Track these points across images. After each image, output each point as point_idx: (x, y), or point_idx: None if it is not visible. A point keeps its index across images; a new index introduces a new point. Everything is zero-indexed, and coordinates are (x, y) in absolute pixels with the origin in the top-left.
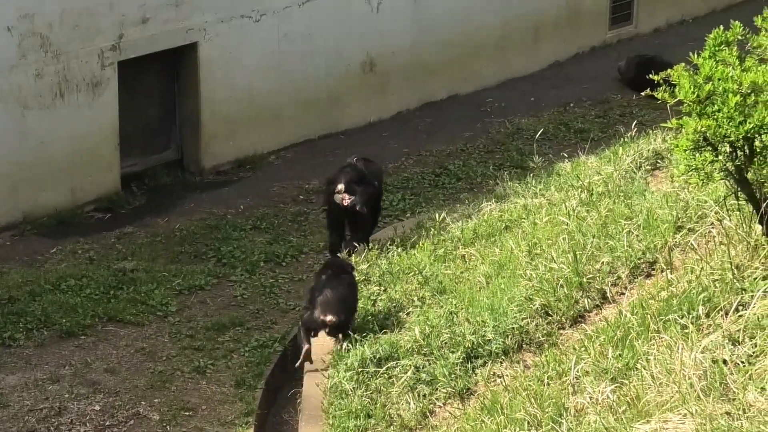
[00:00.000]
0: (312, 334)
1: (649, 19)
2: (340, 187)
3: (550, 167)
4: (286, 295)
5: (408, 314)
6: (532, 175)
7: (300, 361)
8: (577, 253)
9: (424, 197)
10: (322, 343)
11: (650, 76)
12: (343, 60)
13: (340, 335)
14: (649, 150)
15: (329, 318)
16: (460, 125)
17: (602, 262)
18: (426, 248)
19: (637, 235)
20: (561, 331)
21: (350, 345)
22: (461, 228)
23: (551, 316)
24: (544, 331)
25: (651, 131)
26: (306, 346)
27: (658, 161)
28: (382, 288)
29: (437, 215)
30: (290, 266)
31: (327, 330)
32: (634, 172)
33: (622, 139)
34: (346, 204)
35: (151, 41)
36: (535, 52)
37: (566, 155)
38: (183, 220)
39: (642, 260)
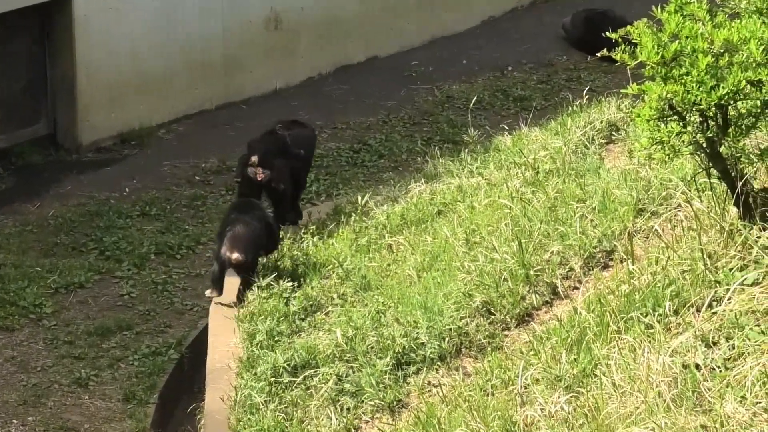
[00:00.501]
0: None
1: None
2: (254, 159)
3: (487, 141)
4: (181, 293)
5: (327, 314)
6: (466, 150)
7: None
8: (523, 241)
9: (341, 177)
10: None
11: (605, 34)
12: (244, 16)
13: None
14: (602, 121)
15: (235, 256)
16: (382, 93)
17: (552, 252)
18: (346, 237)
19: (592, 220)
20: (506, 333)
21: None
22: (386, 213)
23: (494, 314)
24: (486, 333)
25: (604, 99)
26: (218, 294)
27: (614, 133)
28: (296, 284)
29: (358, 198)
30: (185, 259)
31: (234, 269)
32: (586, 147)
33: (570, 108)
34: (260, 179)
35: None
36: (467, 6)
37: (506, 127)
38: (58, 205)
39: (598, 249)
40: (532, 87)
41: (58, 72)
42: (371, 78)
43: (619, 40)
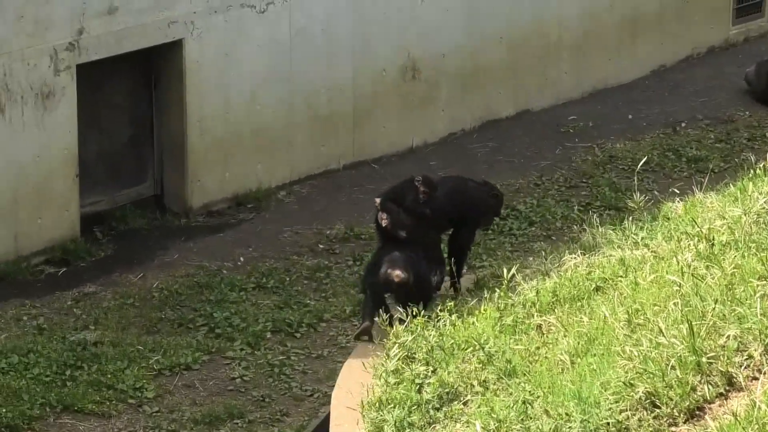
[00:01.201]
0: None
1: None
2: (377, 200)
3: (655, 208)
4: (300, 377)
5: (466, 404)
6: (631, 218)
7: (355, 333)
8: (694, 323)
9: (486, 247)
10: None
11: None
12: (377, 63)
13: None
14: None
15: (397, 273)
16: (533, 151)
17: (728, 336)
18: (489, 315)
19: None
20: (673, 429)
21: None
22: (536, 289)
23: (659, 407)
24: (651, 428)
25: None
26: (366, 323)
27: None
28: (431, 368)
29: (504, 271)
30: (306, 338)
31: (394, 289)
32: None
33: (752, 171)
34: (383, 224)
35: (120, 38)
36: (633, 54)
37: (677, 192)
38: (163, 276)
39: None
40: (708, 146)
41: (166, 125)
42: (521, 134)
43: None
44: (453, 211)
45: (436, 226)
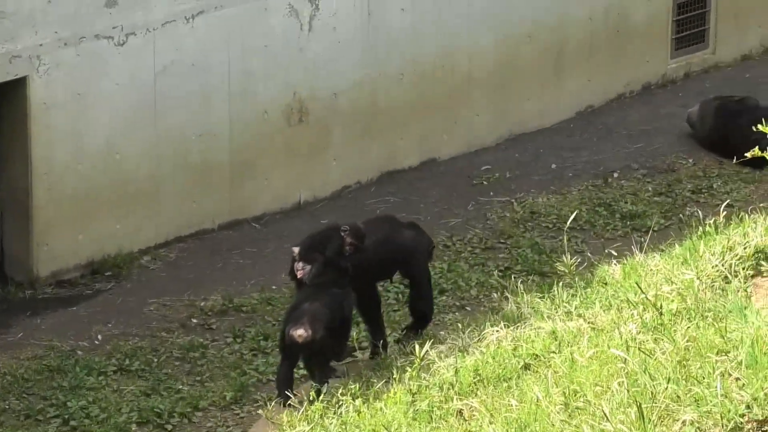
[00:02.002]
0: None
1: (734, 41)
2: (295, 250)
3: (588, 272)
4: None
5: None
6: (560, 284)
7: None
8: (644, 406)
9: (389, 319)
10: None
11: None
12: (257, 104)
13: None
14: (746, 246)
15: (300, 332)
16: (442, 207)
17: (683, 421)
18: (399, 400)
19: (737, 379)
20: None
21: None
22: (455, 367)
23: None
24: None
25: (746, 216)
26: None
27: (762, 263)
28: None
29: (416, 347)
30: (179, 430)
31: (300, 351)
32: (726, 281)
33: (701, 229)
34: (299, 276)
35: None
36: (556, 92)
37: (614, 253)
38: (5, 358)
39: (747, 418)
40: (646, 200)
41: (6, 180)
42: (428, 187)
43: None
44: (383, 264)
45: (363, 280)
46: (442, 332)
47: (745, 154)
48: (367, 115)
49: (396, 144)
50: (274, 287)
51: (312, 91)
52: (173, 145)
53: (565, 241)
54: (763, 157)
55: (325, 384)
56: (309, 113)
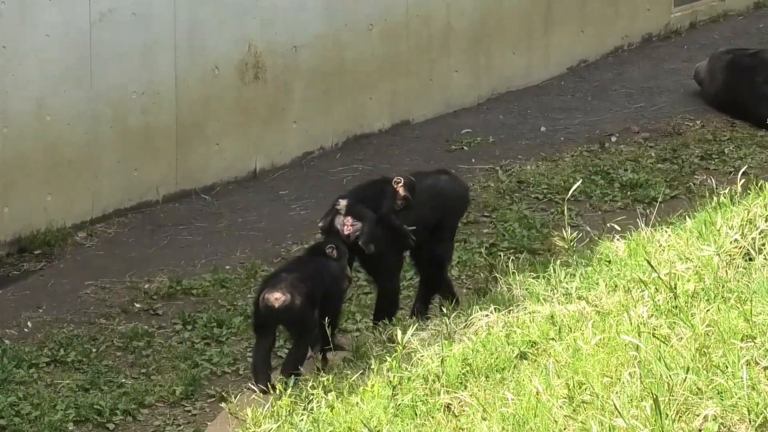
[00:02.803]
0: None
1: None
2: (342, 203)
3: (588, 249)
4: None
5: None
6: (558, 262)
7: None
8: (660, 399)
9: (359, 303)
10: None
11: None
12: (207, 59)
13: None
14: None
15: (277, 296)
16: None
17: (705, 417)
18: (378, 393)
19: (766, 368)
20: None
21: None
22: (440, 356)
23: None
24: None
25: (766, 185)
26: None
27: None
28: None
29: (397, 333)
30: (122, 429)
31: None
32: (749, 257)
33: (714, 200)
34: (346, 232)
35: None
36: (545, 46)
37: (615, 227)
38: None
39: None
40: (649, 168)
41: None
42: (400, 154)
43: None
44: (431, 219)
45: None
46: (427, 316)
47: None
48: (332, 72)
49: (364, 105)
50: (228, 267)
51: (269, 44)
52: (111, 105)
53: (566, 212)
54: None
55: (295, 374)
56: (266, 69)
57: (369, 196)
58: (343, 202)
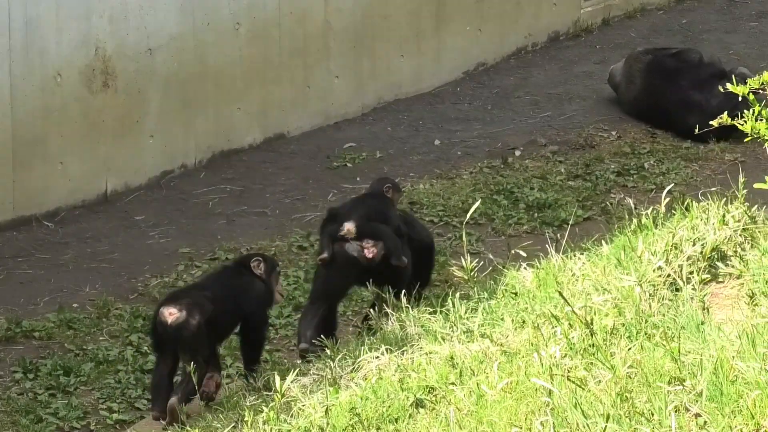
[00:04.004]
0: None
1: None
2: (349, 227)
3: (490, 279)
4: None
5: None
6: (457, 295)
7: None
8: None
9: (228, 346)
10: None
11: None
12: (47, 64)
13: None
14: (697, 243)
15: (170, 310)
16: (294, 198)
17: None
18: None
19: (698, 415)
20: None
21: None
22: (324, 405)
23: None
24: None
25: (693, 204)
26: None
27: (717, 264)
28: None
29: (274, 379)
30: None
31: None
32: (675, 288)
33: (634, 221)
34: (371, 256)
35: None
36: (438, 47)
37: (521, 253)
38: None
39: None
40: (558, 186)
41: None
42: (274, 172)
43: (749, 97)
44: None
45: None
46: (299, 360)
47: (711, 123)
48: (193, 79)
49: (232, 116)
50: (75, 305)
51: (119, 46)
52: None
53: (464, 237)
54: (711, 129)
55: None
56: (116, 76)
57: (374, 212)
58: (349, 226)
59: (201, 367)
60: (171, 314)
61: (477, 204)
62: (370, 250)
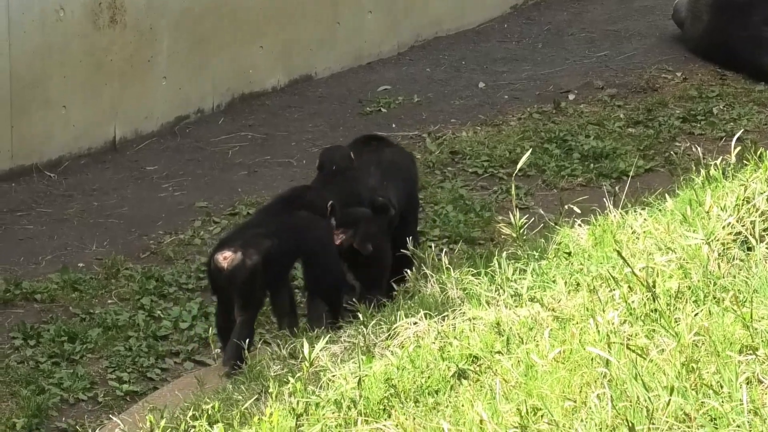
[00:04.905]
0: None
1: None
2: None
3: (541, 237)
4: None
5: None
6: (504, 254)
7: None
8: (637, 429)
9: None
10: None
11: None
12: (46, 0)
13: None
14: None
15: (226, 254)
16: (321, 146)
17: None
18: (278, 424)
19: None
20: None
21: None
22: (356, 375)
23: None
24: None
25: (767, 154)
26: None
27: None
28: None
29: (302, 345)
30: None
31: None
32: (747, 247)
33: (701, 173)
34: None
35: None
36: None
37: (575, 209)
38: None
39: None
40: (617, 133)
41: None
42: (300, 118)
43: None
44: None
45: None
46: (337, 326)
47: None
48: (211, 13)
49: (253, 55)
50: (81, 265)
51: None
52: None
53: (513, 191)
54: None
55: (235, 365)
56: (125, 10)
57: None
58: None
59: (252, 314)
60: (225, 258)
61: (527, 155)
62: (338, 237)
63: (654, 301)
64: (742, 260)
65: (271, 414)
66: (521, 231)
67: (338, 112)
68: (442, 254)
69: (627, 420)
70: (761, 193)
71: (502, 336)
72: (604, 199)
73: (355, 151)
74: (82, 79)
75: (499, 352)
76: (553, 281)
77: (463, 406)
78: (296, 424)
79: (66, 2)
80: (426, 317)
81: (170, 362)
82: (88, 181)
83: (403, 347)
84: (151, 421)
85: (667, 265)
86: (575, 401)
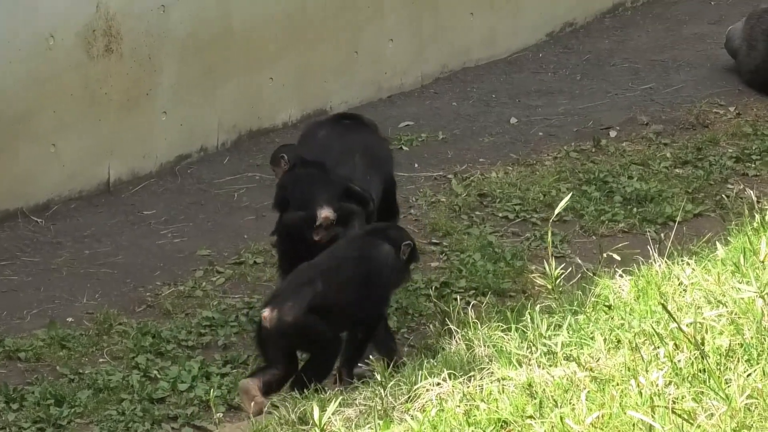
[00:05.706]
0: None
1: None
2: (327, 214)
3: (578, 289)
4: None
5: None
6: (537, 308)
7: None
8: None
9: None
10: None
11: None
12: (38, 25)
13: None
14: None
15: (265, 313)
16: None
17: None
18: None
19: None
20: None
21: None
22: None
23: None
24: None
25: None
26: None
27: None
28: None
29: (312, 409)
30: None
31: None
32: None
33: (757, 218)
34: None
35: None
36: (515, 4)
37: (616, 257)
38: None
39: None
40: (662, 173)
41: None
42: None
43: None
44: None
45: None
46: (351, 383)
47: None
48: (216, 42)
49: (262, 87)
50: (70, 320)
51: (126, 2)
52: None
53: (549, 237)
54: None
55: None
56: (121, 38)
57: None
58: (327, 213)
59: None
60: (264, 317)
61: (567, 199)
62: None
63: (702, 360)
64: None
65: None
66: (557, 282)
67: None
68: (469, 308)
69: None
70: None
71: (535, 399)
72: (648, 246)
73: (333, 130)
74: (73, 114)
75: (531, 417)
76: (591, 338)
77: None
78: None
79: (56, 29)
80: (450, 377)
81: (167, 428)
82: (79, 226)
83: (424, 411)
84: None
85: (717, 320)
86: None
